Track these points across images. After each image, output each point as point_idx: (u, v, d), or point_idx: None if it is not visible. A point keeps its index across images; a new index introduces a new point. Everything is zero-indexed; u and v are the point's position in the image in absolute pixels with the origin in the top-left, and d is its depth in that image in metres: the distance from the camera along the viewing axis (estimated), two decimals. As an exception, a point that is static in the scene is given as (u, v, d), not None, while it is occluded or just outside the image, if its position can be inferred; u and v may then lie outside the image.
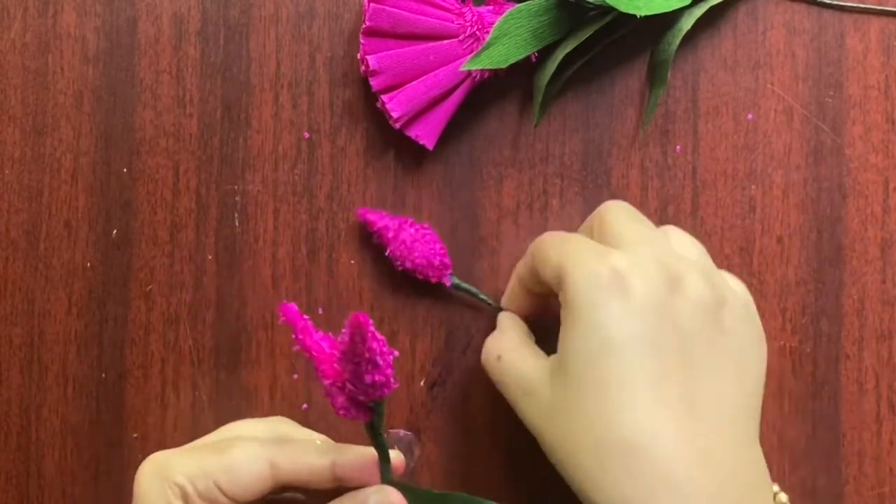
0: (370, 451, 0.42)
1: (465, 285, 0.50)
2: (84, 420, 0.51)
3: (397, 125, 0.49)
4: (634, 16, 0.48)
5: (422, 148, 0.50)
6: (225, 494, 0.41)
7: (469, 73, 0.49)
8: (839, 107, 0.52)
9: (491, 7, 0.50)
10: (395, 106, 0.49)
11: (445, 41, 0.49)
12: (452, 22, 0.49)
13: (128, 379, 0.51)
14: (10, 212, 0.51)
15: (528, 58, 0.49)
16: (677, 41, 0.50)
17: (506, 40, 0.49)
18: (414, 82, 0.49)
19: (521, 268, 0.48)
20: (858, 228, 0.52)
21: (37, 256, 0.51)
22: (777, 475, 0.51)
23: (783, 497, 0.49)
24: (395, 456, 0.43)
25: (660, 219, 0.52)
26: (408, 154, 0.52)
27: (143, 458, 0.43)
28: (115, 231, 0.51)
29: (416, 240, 0.49)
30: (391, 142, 0.51)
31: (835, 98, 0.52)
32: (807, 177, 0.52)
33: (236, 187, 0.51)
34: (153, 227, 0.51)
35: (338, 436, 0.49)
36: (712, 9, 0.51)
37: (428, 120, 0.50)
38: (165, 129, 0.51)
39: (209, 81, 0.52)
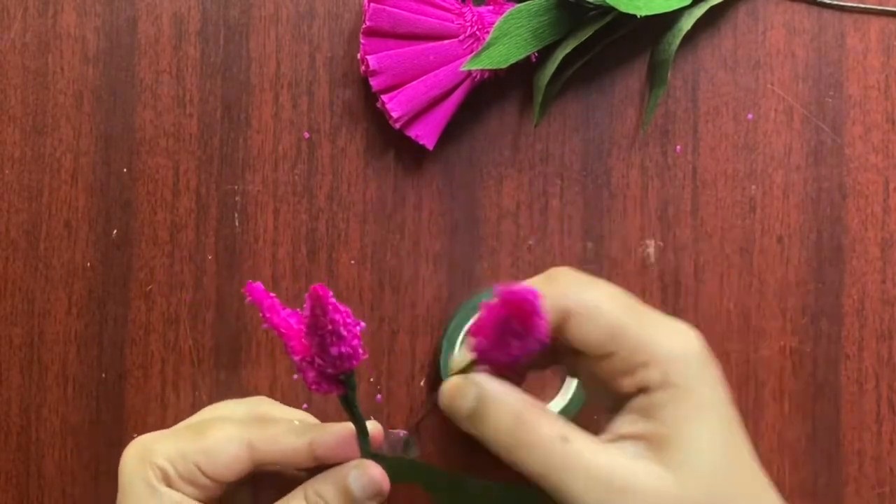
0: (347, 428, 0.42)
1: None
2: (84, 420, 0.51)
3: (397, 125, 0.49)
4: (634, 16, 0.48)
5: (422, 148, 0.50)
6: (205, 475, 0.42)
7: (469, 73, 0.49)
8: (839, 107, 0.52)
9: (491, 7, 0.50)
10: (395, 106, 0.49)
11: (445, 41, 0.49)
12: (452, 22, 0.49)
13: (128, 379, 0.51)
14: (10, 212, 0.51)
15: (528, 58, 0.49)
16: (677, 41, 0.50)
17: (506, 40, 0.49)
18: (414, 82, 0.49)
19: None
20: (858, 228, 0.52)
21: (37, 256, 0.51)
22: (777, 475, 0.51)
23: None
24: (373, 427, 0.43)
25: (660, 219, 0.52)
26: (408, 154, 0.52)
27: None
28: (115, 231, 0.51)
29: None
30: (391, 142, 0.51)
31: (835, 98, 0.52)
32: (807, 177, 0.52)
33: (236, 187, 0.51)
34: (153, 227, 0.51)
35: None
36: (712, 9, 0.51)
37: (428, 120, 0.50)
38: (165, 129, 0.51)
39: (209, 81, 0.52)
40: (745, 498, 0.37)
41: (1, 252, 0.51)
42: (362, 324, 0.38)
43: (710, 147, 0.52)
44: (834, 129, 0.52)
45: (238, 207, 0.51)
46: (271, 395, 0.51)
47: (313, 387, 0.39)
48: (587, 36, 0.49)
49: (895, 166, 0.52)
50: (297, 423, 0.43)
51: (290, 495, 0.42)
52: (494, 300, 0.35)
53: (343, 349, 0.37)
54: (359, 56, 0.50)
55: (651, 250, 0.52)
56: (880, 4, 0.52)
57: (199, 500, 0.42)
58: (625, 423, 0.37)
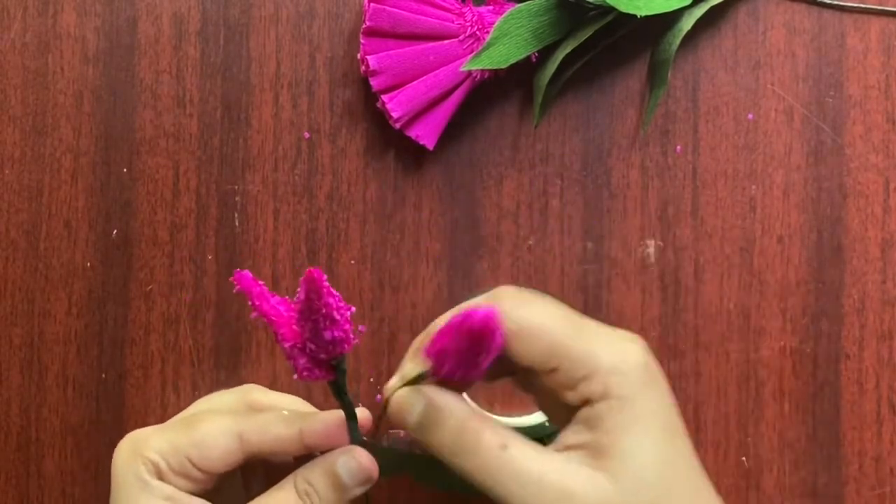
0: (336, 415, 0.43)
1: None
2: (84, 420, 0.51)
3: (397, 125, 0.49)
4: (634, 16, 0.48)
5: (422, 148, 0.50)
6: (196, 468, 0.42)
7: (469, 73, 0.49)
8: (839, 107, 0.52)
9: (491, 7, 0.50)
10: (396, 106, 0.49)
11: (445, 41, 0.49)
12: (452, 22, 0.49)
13: (128, 379, 0.51)
14: (10, 212, 0.51)
15: (528, 58, 0.49)
16: (677, 41, 0.50)
17: (506, 40, 0.49)
18: (414, 82, 0.49)
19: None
20: (859, 228, 0.52)
21: (37, 256, 0.51)
22: (777, 475, 0.51)
23: None
24: (362, 414, 0.44)
25: (660, 219, 0.52)
26: (408, 154, 0.52)
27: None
28: (115, 231, 0.51)
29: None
30: (391, 142, 0.51)
31: (835, 98, 0.52)
32: (807, 177, 0.52)
33: (236, 187, 0.51)
34: (153, 227, 0.51)
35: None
36: (712, 9, 0.51)
37: (428, 120, 0.50)
38: (165, 129, 0.51)
39: (209, 81, 0.52)
40: None
41: (1, 252, 0.51)
42: (352, 308, 0.38)
43: (710, 147, 0.52)
44: (834, 129, 0.52)
45: (238, 207, 0.51)
46: (271, 395, 0.51)
47: (304, 374, 0.39)
48: (587, 36, 0.49)
49: (895, 166, 0.52)
50: (286, 413, 0.44)
51: (279, 484, 0.43)
52: (453, 324, 0.36)
53: (336, 333, 0.38)
54: (359, 56, 0.50)
55: (651, 250, 0.52)
56: (880, 4, 0.52)
57: (192, 492, 0.42)
58: (571, 435, 0.39)
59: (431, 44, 0.49)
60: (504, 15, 0.49)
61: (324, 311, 0.37)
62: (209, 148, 0.51)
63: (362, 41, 0.49)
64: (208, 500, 0.43)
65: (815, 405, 0.51)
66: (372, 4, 0.49)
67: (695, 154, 0.52)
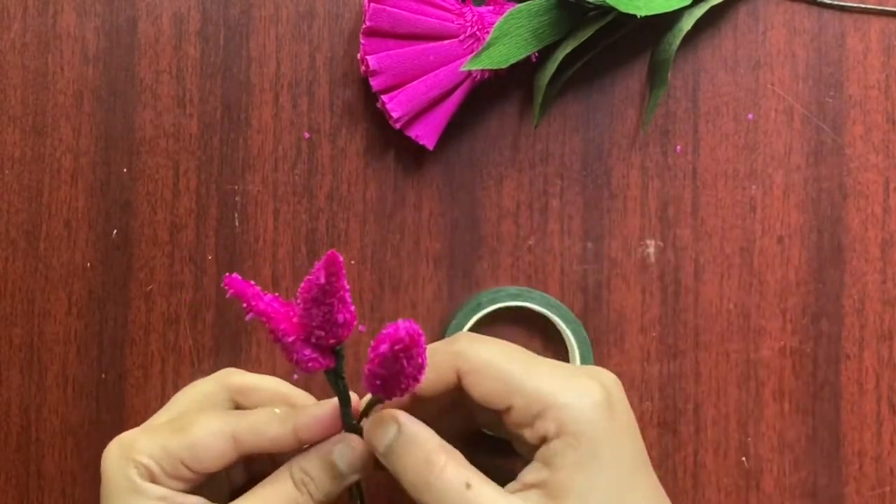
0: (328, 405, 0.43)
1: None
2: (84, 420, 0.51)
3: (397, 125, 0.49)
4: (634, 16, 0.48)
5: (422, 148, 0.50)
6: (190, 470, 0.42)
7: (469, 73, 0.49)
8: (839, 107, 0.52)
9: (491, 7, 0.50)
10: (395, 106, 0.49)
11: (445, 41, 0.49)
12: (452, 22, 0.49)
13: (128, 379, 0.51)
14: (10, 212, 0.51)
15: (528, 58, 0.49)
16: (677, 41, 0.50)
17: (506, 40, 0.49)
18: (414, 82, 0.49)
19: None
20: (859, 228, 0.52)
21: (37, 256, 0.51)
22: (777, 475, 0.51)
23: None
24: (356, 399, 0.44)
25: (660, 219, 0.52)
26: (408, 154, 0.52)
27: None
28: (115, 231, 0.51)
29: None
30: (391, 142, 0.51)
31: (835, 98, 0.52)
32: (807, 177, 0.52)
33: (236, 187, 0.51)
34: (153, 227, 0.51)
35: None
36: (712, 9, 0.51)
37: (428, 120, 0.50)
38: (165, 129, 0.51)
39: (209, 81, 0.52)
40: None
41: (1, 252, 0.51)
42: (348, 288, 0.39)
43: (710, 147, 0.52)
44: (834, 129, 0.52)
45: (238, 207, 0.51)
46: (271, 395, 0.51)
47: (310, 364, 0.39)
48: (587, 36, 0.49)
49: (895, 166, 0.52)
50: (277, 411, 0.44)
51: (275, 474, 0.43)
52: (371, 349, 0.38)
53: (346, 315, 0.38)
54: (359, 56, 0.50)
55: (651, 250, 0.52)
56: (880, 4, 0.52)
57: (185, 491, 0.42)
58: (530, 473, 0.39)
59: (431, 44, 0.49)
60: (504, 15, 0.49)
61: (341, 293, 0.37)
62: (209, 148, 0.51)
63: (362, 41, 0.49)
64: (193, 490, 0.43)
65: (815, 405, 0.51)
66: (372, 4, 0.49)
67: (695, 154, 0.52)
